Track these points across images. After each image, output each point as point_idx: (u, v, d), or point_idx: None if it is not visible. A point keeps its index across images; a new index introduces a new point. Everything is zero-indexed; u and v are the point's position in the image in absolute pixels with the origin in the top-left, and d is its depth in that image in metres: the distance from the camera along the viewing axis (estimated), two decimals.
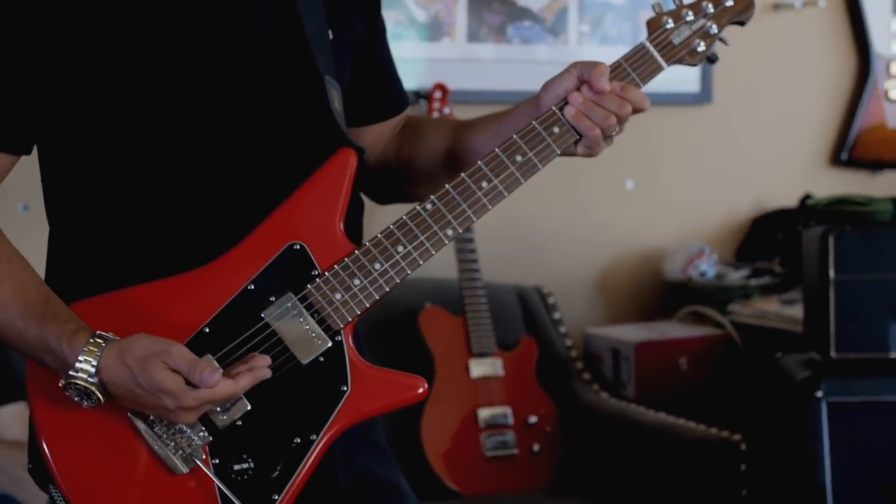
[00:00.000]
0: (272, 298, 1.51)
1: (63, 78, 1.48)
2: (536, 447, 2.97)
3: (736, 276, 3.41)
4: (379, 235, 1.53)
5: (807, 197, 3.58)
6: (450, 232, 1.53)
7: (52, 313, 1.43)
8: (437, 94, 3.10)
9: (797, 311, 3.11)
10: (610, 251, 3.58)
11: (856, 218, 2.55)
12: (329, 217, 1.55)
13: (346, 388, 1.52)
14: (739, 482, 2.64)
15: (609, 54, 3.42)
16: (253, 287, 1.51)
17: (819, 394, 2.47)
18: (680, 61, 1.63)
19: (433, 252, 1.54)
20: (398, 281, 1.53)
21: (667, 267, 3.46)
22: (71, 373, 1.39)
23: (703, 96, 3.59)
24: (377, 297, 1.53)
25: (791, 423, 2.54)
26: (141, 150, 1.51)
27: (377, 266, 1.52)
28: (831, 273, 2.50)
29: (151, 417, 1.45)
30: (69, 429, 1.46)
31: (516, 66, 3.40)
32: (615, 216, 3.55)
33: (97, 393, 1.40)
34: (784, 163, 3.73)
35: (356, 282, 1.51)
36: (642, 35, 3.55)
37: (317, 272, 1.52)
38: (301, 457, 1.50)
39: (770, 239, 3.58)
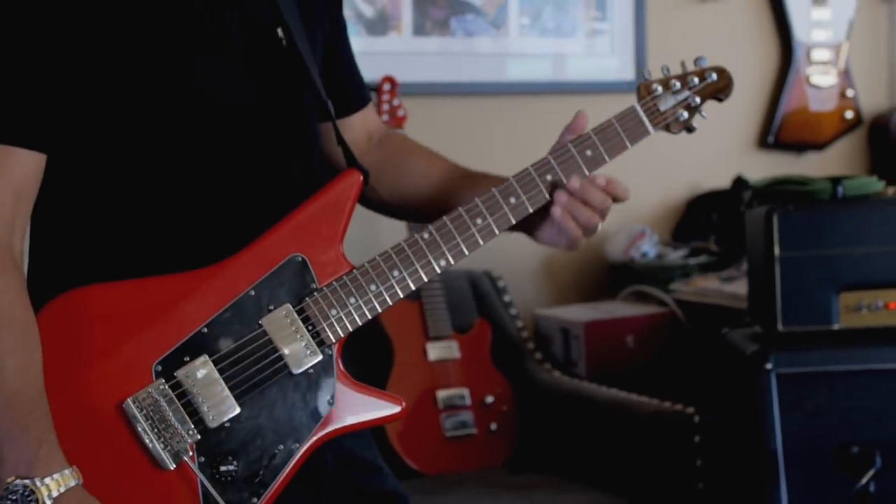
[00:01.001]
0: (271, 307, 1.48)
1: (72, 85, 1.44)
2: (494, 426, 2.91)
3: (675, 256, 3.38)
4: (377, 258, 1.52)
5: (739, 178, 3.58)
6: (443, 262, 1.54)
7: (41, 414, 1.36)
8: (386, 87, 3.02)
9: (737, 288, 3.10)
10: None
11: (797, 197, 2.52)
12: (332, 234, 1.53)
13: (331, 402, 1.50)
14: (694, 453, 2.61)
15: (548, 46, 3.44)
16: (253, 293, 1.48)
17: (768, 366, 2.43)
18: (665, 128, 1.65)
19: (425, 279, 1.55)
20: (390, 303, 1.53)
21: (609, 249, 3.41)
22: (37, 481, 1.32)
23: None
24: (369, 317, 1.53)
25: (741, 394, 2.51)
26: (143, 155, 1.48)
27: (373, 287, 1.51)
28: (776, 250, 2.46)
29: (144, 411, 1.41)
30: (59, 422, 1.38)
31: (460, 58, 3.34)
32: None
33: None
34: (715, 147, 3.71)
35: (352, 300, 1.51)
36: (578, 28, 3.51)
37: (315, 286, 1.51)
38: (283, 464, 1.47)
39: (705, 220, 3.56)
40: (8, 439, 1.33)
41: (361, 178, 1.57)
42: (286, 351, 1.47)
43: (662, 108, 1.64)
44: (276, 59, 1.56)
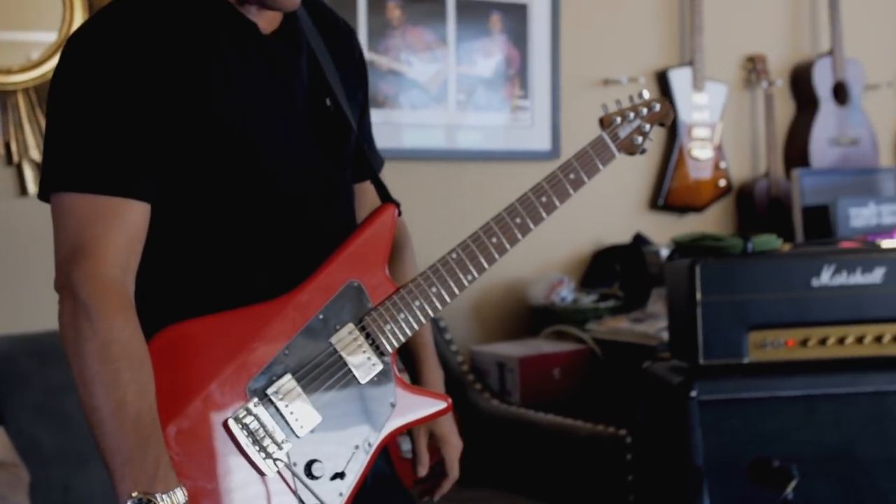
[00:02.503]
0: (337, 327, 1.55)
1: (172, 146, 1.48)
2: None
3: (588, 300, 3.50)
4: (418, 278, 1.62)
5: (638, 235, 3.73)
6: (469, 277, 1.64)
7: (157, 437, 1.38)
8: None
9: (646, 328, 3.23)
10: (483, 281, 3.58)
11: (713, 251, 2.66)
12: (378, 261, 1.61)
13: (393, 403, 1.58)
14: (626, 469, 2.71)
15: (481, 119, 3.53)
16: (322, 316, 1.55)
17: (693, 394, 2.55)
18: (627, 152, 1.80)
19: (457, 293, 1.65)
20: (431, 314, 1.63)
21: (531, 294, 3.52)
22: (157, 496, 1.35)
23: (553, 153, 3.68)
24: (416, 328, 1.62)
25: (668, 418, 2.62)
26: (226, 206, 1.53)
27: (416, 303, 1.60)
28: (698, 295, 2.59)
29: (243, 427, 1.45)
30: (170, 441, 1.41)
31: (406, 128, 3.41)
32: None
33: None
34: (614, 208, 3.86)
35: (401, 315, 1.59)
36: (505, 103, 3.62)
37: (371, 306, 1.58)
38: (361, 459, 1.54)
39: (609, 269, 3.69)
40: (130, 461, 1.35)
41: (397, 211, 1.65)
42: (354, 364, 1.54)
43: (622, 134, 1.78)
44: (326, 122, 1.63)
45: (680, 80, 3.90)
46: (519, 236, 1.67)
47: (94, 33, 1.49)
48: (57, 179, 1.44)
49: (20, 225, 2.80)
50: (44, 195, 1.47)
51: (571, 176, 1.72)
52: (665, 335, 3.06)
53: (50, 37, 2.80)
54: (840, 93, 4.22)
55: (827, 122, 4.17)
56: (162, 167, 1.47)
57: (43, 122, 2.78)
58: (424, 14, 3.43)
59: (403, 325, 1.58)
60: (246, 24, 1.56)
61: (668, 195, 3.92)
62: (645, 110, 1.80)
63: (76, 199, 1.42)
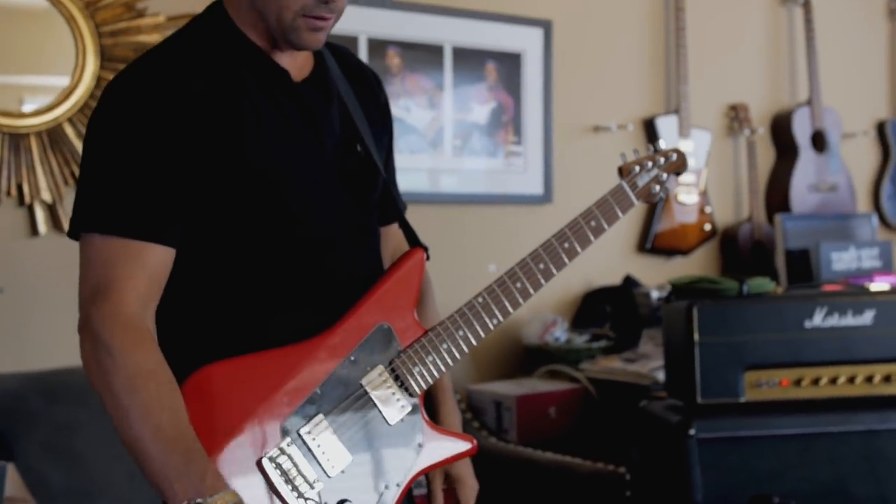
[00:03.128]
0: (368, 368, 1.57)
1: (199, 194, 1.49)
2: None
3: (580, 341, 3.54)
4: (445, 321, 1.64)
5: (628, 277, 3.78)
6: (495, 321, 1.67)
7: (198, 451, 1.39)
8: None
9: (639, 367, 3.27)
10: None
11: (710, 294, 2.71)
12: (407, 304, 1.64)
13: (421, 444, 1.59)
14: None
15: (476, 164, 3.58)
16: (353, 358, 1.56)
17: (692, 432, 2.59)
18: (645, 200, 1.83)
19: (483, 336, 1.66)
20: (458, 357, 1.64)
21: (525, 333, 3.55)
22: (208, 499, 1.35)
23: (546, 197, 3.73)
24: (444, 370, 1.64)
25: (667, 456, 2.65)
26: (256, 250, 1.54)
27: (444, 346, 1.62)
28: (696, 336, 2.63)
29: (277, 467, 1.46)
30: None
31: (404, 172, 3.43)
32: None
33: None
34: (605, 250, 3.90)
35: (430, 357, 1.61)
36: (499, 149, 3.65)
37: (400, 348, 1.59)
38: (389, 499, 1.55)
39: (600, 310, 3.73)
40: (177, 479, 1.36)
41: (425, 255, 1.68)
42: (383, 405, 1.55)
43: (640, 183, 1.80)
44: (356, 167, 1.66)
45: (666, 127, 3.98)
46: (542, 281, 1.69)
47: (131, 80, 1.52)
48: (85, 220, 1.47)
49: (30, 265, 2.81)
50: (73, 234, 1.50)
51: (592, 223, 1.74)
52: (658, 374, 3.10)
53: (63, 81, 2.83)
54: (818, 141, 4.31)
55: (806, 169, 4.26)
56: (191, 212, 1.49)
57: (55, 165, 2.79)
58: (422, 62, 3.48)
59: (431, 367, 1.60)
60: (278, 72, 1.59)
61: (655, 239, 3.97)
62: (662, 160, 1.82)
63: (102, 240, 1.45)
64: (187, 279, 1.54)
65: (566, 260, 1.71)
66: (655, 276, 3.94)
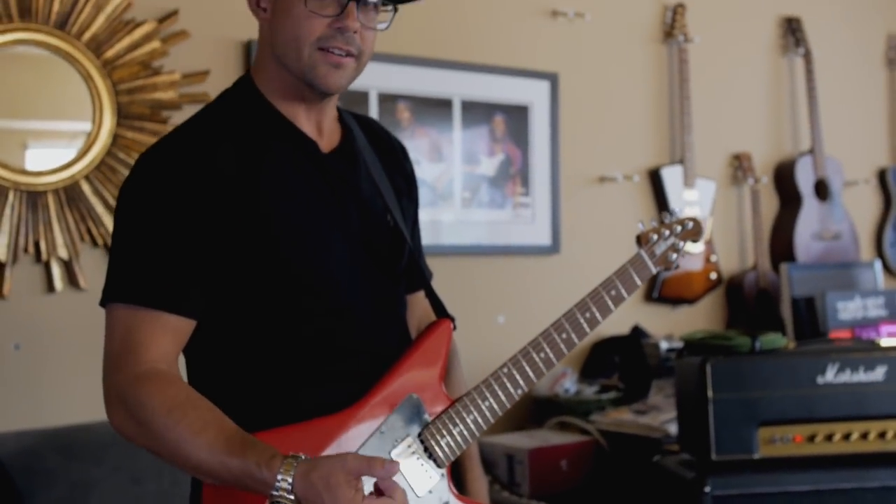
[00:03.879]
0: (397, 441, 1.58)
1: (222, 264, 1.52)
2: None
3: (590, 392, 3.54)
4: (472, 392, 1.67)
5: (636, 327, 3.79)
6: (519, 391, 1.70)
7: (249, 444, 1.41)
8: None
9: (650, 420, 3.26)
10: (480, 372, 3.63)
11: (722, 350, 2.71)
12: (435, 375, 1.66)
13: None
14: None
15: (483, 215, 3.59)
16: (384, 430, 1.58)
17: (707, 489, 2.59)
18: (663, 267, 1.86)
19: (508, 406, 1.69)
20: (484, 428, 1.67)
21: (536, 385, 3.54)
22: (273, 492, 1.37)
23: (554, 248, 3.75)
24: (470, 441, 1.66)
25: None
26: (285, 322, 1.56)
27: (471, 417, 1.64)
28: (709, 392, 2.63)
29: None
30: None
31: None
32: (490, 344, 3.61)
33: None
34: None
35: (457, 429, 1.63)
36: (507, 200, 3.65)
37: (428, 419, 1.59)
38: None
39: (608, 360, 3.73)
40: (244, 477, 1.39)
41: (452, 326, 1.69)
42: (412, 476, 1.56)
43: (658, 251, 1.84)
44: (384, 238, 1.67)
45: (672, 177, 4.00)
46: (565, 351, 1.72)
47: (159, 156, 1.54)
48: (111, 291, 1.50)
49: (47, 321, 2.81)
50: (103, 304, 1.52)
51: (613, 293, 1.77)
52: (669, 427, 3.10)
53: (79, 126, 2.83)
54: (821, 189, 4.34)
55: (810, 218, 4.28)
56: (217, 285, 1.51)
57: (71, 222, 2.80)
58: (432, 115, 3.51)
59: (459, 438, 1.61)
60: (307, 143, 1.61)
61: (662, 287, 3.98)
62: (679, 228, 1.86)
63: (124, 310, 1.47)
64: (218, 351, 1.56)
65: (588, 329, 1.75)
66: (662, 324, 3.95)
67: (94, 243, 2.83)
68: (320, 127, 1.65)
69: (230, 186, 1.50)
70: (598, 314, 1.75)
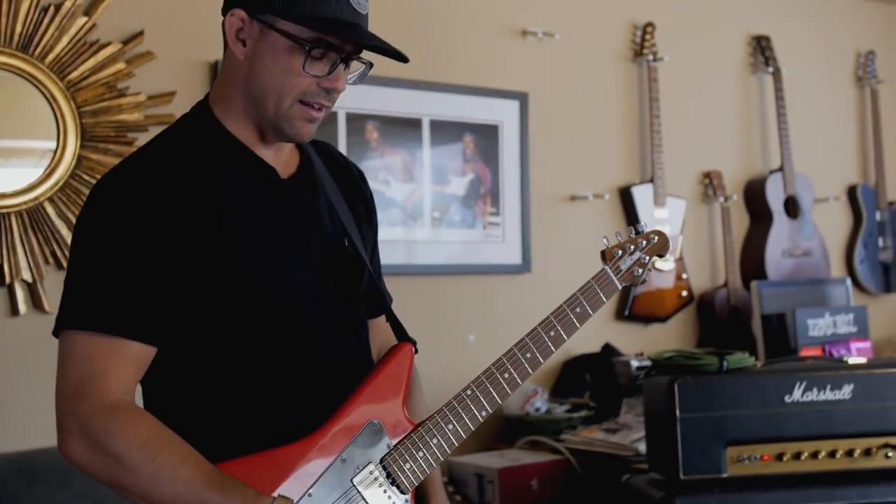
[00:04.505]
0: (359, 467, 1.57)
1: (180, 290, 1.50)
2: None
3: (561, 411, 3.52)
4: (435, 415, 1.64)
5: (607, 345, 3.78)
6: (483, 413, 1.67)
7: (229, 482, 1.40)
8: None
9: (620, 438, 3.25)
10: (452, 391, 3.61)
11: (690, 369, 2.70)
12: (396, 399, 1.64)
13: None
14: None
15: (454, 235, 3.57)
16: (345, 457, 1.56)
17: None
18: (629, 283, 1.82)
19: (472, 428, 1.66)
20: (448, 452, 1.64)
21: (505, 404, 3.50)
22: None
23: (525, 267, 3.74)
24: (434, 465, 1.63)
25: None
26: (247, 348, 1.54)
27: (434, 441, 1.62)
28: (677, 412, 2.61)
29: None
30: None
31: (383, 245, 3.42)
32: (461, 363, 3.58)
33: None
34: None
35: (420, 453, 1.61)
36: (477, 220, 3.65)
37: (390, 444, 1.57)
38: None
39: (579, 378, 3.72)
40: None
41: (413, 349, 1.67)
42: (375, 503, 1.54)
43: (623, 267, 1.81)
44: (342, 262, 1.66)
45: (642, 195, 4.00)
46: (530, 370, 1.70)
47: (117, 182, 1.52)
48: (67, 318, 1.47)
49: (10, 345, 2.77)
50: (56, 332, 1.49)
51: (577, 310, 1.75)
52: (639, 446, 3.08)
53: (42, 144, 2.80)
54: (791, 206, 4.35)
55: (780, 235, 4.29)
56: (177, 311, 1.49)
57: (35, 244, 2.77)
58: (401, 136, 3.50)
59: (422, 462, 1.59)
60: (266, 169, 1.59)
61: (633, 305, 3.98)
62: (644, 242, 1.84)
63: (83, 337, 1.45)
64: (177, 378, 1.54)
65: (553, 348, 1.73)
66: (633, 342, 3.94)
67: (59, 266, 2.80)
68: (278, 153, 1.64)
69: (190, 212, 1.49)
70: (563, 332, 1.73)
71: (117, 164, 1.57)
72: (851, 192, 4.71)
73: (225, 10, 1.57)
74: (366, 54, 1.58)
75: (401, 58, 1.54)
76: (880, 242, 4.69)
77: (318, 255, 1.61)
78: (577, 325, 1.75)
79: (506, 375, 1.67)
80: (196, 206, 1.49)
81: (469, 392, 1.65)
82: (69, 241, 2.79)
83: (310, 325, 1.58)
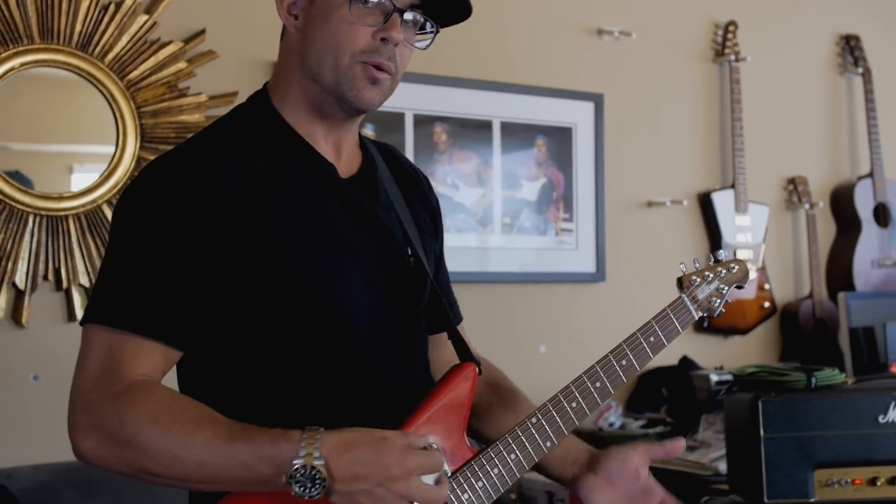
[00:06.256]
0: None
1: (223, 293, 1.39)
2: None
3: (636, 426, 3.36)
4: (497, 444, 1.50)
5: (685, 357, 3.60)
6: (549, 444, 1.53)
7: (253, 429, 1.29)
8: None
9: (699, 457, 3.07)
10: None
11: (775, 386, 2.52)
12: (457, 425, 1.51)
13: None
14: None
15: (525, 242, 3.43)
16: None
17: None
18: (706, 314, 1.72)
19: (536, 459, 1.52)
20: (510, 483, 1.50)
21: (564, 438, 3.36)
22: (296, 461, 1.24)
23: (598, 276, 3.57)
24: (494, 497, 1.49)
25: None
26: (291, 357, 1.42)
27: (495, 471, 1.49)
28: (762, 432, 2.44)
29: None
30: None
31: (451, 251, 3.31)
32: (531, 375, 3.44)
33: (323, 472, 1.24)
34: None
35: (480, 483, 1.48)
36: (550, 226, 3.52)
37: (448, 473, 1.45)
38: None
39: (655, 392, 3.55)
40: (260, 462, 1.26)
41: (476, 370, 1.55)
42: None
43: (701, 296, 1.69)
44: (403, 272, 1.54)
45: (723, 202, 3.82)
46: (599, 401, 1.58)
47: (162, 173, 1.42)
48: (94, 311, 1.37)
49: (67, 351, 2.68)
50: (83, 323, 1.40)
51: (651, 339, 1.61)
52: (719, 465, 2.91)
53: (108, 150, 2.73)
54: (881, 214, 4.12)
55: (869, 244, 4.06)
56: (215, 313, 1.39)
57: (93, 248, 2.69)
58: (470, 138, 3.36)
59: (482, 494, 1.47)
60: (325, 166, 1.48)
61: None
62: (724, 272, 1.72)
63: (106, 332, 1.34)
64: (212, 384, 1.43)
65: (624, 378, 1.59)
66: (712, 355, 3.75)
67: None
68: (339, 150, 1.52)
69: (235, 207, 1.38)
70: (635, 362, 1.60)
71: (168, 150, 1.47)
72: None
73: None
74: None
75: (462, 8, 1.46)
76: None
77: (376, 262, 1.49)
78: (651, 355, 1.62)
79: (573, 405, 1.55)
80: (243, 201, 1.39)
81: (534, 420, 1.52)
82: None
83: (362, 336, 1.46)
